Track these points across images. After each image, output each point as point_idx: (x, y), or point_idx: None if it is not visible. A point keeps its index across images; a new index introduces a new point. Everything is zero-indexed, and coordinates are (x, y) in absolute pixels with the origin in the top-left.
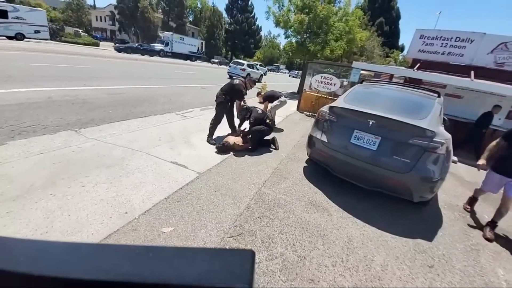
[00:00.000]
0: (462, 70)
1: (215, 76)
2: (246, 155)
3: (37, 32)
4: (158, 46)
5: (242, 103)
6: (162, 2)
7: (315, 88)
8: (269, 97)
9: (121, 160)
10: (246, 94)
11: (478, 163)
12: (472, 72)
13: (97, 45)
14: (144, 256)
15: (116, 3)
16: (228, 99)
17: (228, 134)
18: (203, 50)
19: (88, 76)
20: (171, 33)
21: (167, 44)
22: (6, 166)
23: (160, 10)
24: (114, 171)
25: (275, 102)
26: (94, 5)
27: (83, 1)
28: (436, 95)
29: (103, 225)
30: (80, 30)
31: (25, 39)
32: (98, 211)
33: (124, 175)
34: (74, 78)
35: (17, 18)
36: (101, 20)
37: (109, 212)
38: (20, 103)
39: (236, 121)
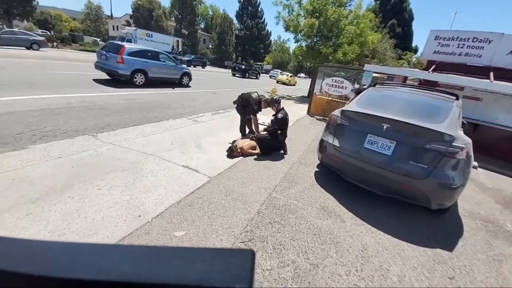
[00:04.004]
0: (481, 71)
1: (225, 81)
2: (256, 160)
3: None
4: None
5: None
6: (175, 11)
7: (325, 91)
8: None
9: (135, 164)
10: (258, 111)
11: None
12: (491, 73)
13: None
14: (144, 256)
15: (131, 13)
16: (243, 104)
17: (238, 138)
18: (180, 49)
19: (104, 82)
20: (134, 28)
21: (128, 42)
22: (27, 169)
23: (173, 18)
24: (129, 174)
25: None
26: (111, 15)
27: (101, 11)
28: (454, 97)
29: (118, 228)
30: (98, 39)
31: None
32: (113, 214)
33: (138, 179)
34: (92, 85)
35: None
36: (117, 29)
37: (123, 215)
38: (42, 109)
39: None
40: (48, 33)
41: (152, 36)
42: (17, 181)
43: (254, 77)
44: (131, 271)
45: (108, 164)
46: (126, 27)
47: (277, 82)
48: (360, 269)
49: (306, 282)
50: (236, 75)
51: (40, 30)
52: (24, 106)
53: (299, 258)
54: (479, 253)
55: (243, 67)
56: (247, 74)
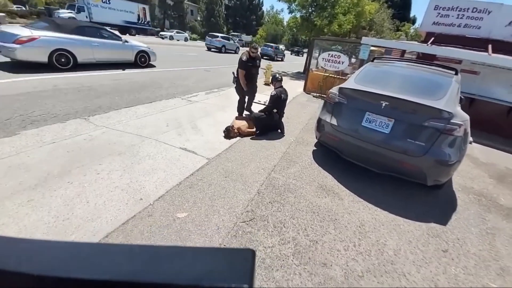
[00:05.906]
0: (479, 44)
1: (216, 57)
2: (254, 140)
3: None
4: (64, 14)
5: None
6: None
7: (322, 67)
8: None
9: (131, 147)
10: (249, 61)
11: None
12: (490, 46)
13: None
14: (144, 256)
15: None
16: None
17: (234, 118)
18: (148, 19)
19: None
20: None
21: (80, 10)
22: (21, 156)
23: None
24: (126, 158)
25: None
26: None
27: None
28: (453, 72)
29: (120, 211)
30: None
31: None
32: (114, 198)
33: (136, 162)
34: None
35: None
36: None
37: (125, 199)
38: (27, 92)
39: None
40: (23, 8)
41: (110, 3)
42: (14, 168)
43: (301, 55)
44: (131, 271)
45: (104, 148)
46: None
47: None
48: (357, 244)
49: (306, 257)
50: (293, 54)
51: (15, 6)
52: (9, 90)
53: (299, 235)
54: (472, 226)
55: (296, 49)
56: (299, 54)
